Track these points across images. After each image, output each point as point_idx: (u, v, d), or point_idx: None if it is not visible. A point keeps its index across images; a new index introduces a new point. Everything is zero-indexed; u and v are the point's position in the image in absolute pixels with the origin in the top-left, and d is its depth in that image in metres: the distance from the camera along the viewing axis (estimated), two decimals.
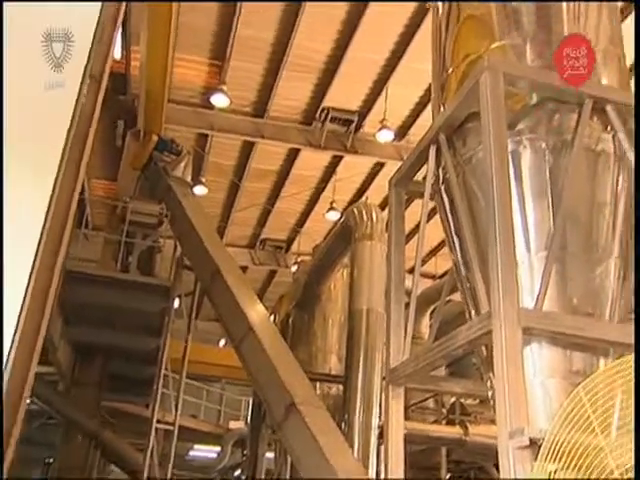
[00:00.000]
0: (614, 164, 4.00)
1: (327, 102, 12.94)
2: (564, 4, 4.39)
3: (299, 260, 16.35)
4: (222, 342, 22.19)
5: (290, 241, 18.80)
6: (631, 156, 3.84)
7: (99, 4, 3.91)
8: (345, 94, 12.75)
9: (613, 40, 4.45)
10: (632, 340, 3.42)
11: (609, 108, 3.89)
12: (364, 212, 10.04)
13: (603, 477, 2.71)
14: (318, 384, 10.70)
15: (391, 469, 4.32)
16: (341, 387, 9.84)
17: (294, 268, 16.43)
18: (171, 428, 10.96)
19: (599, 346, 3.69)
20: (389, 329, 4.73)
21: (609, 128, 3.96)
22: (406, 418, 4.81)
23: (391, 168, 13.38)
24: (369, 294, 9.43)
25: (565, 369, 3.73)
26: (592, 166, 3.97)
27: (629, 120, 4.09)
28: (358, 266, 9.75)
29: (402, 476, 4.33)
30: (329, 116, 13.08)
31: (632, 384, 2.55)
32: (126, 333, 12.14)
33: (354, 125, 13.37)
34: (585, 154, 3.92)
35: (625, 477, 2.68)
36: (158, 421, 10.88)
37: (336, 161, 14.74)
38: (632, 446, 2.65)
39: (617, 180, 4.01)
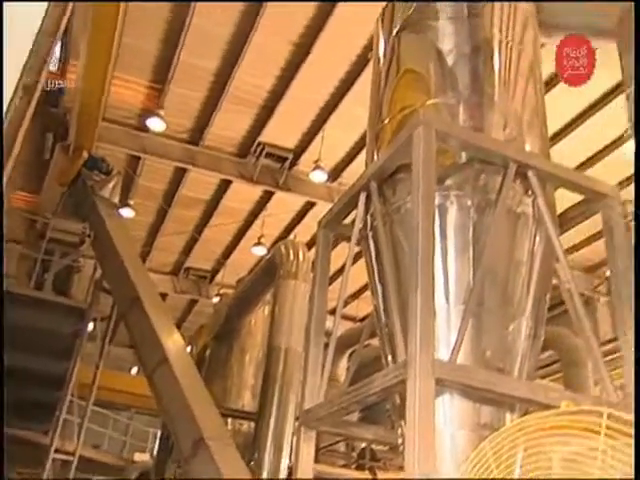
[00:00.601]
0: (532, 226, 4.20)
1: (264, 137, 13.04)
2: (496, 76, 4.64)
3: (222, 292, 16.18)
4: (134, 370, 21.49)
5: (214, 272, 18.59)
6: (548, 221, 4.04)
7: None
8: (282, 131, 12.89)
9: (537, 110, 4.72)
10: (537, 397, 3.55)
11: (531, 174, 4.09)
12: (291, 250, 10.08)
13: None
14: (230, 420, 10.50)
15: None
16: (253, 424, 9.70)
17: (216, 299, 16.22)
18: (70, 458, 10.45)
19: (507, 401, 3.81)
20: (306, 369, 4.71)
21: (530, 192, 4.17)
22: (316, 461, 4.78)
23: (321, 208, 13.55)
24: (289, 332, 9.41)
25: (474, 422, 3.82)
26: (512, 226, 4.15)
27: (548, 186, 4.33)
28: (280, 303, 9.74)
29: None
30: (264, 151, 13.18)
31: (534, 442, 2.64)
32: (31, 354, 11.52)
33: (288, 162, 13.51)
34: (507, 215, 4.10)
35: None
36: (57, 450, 10.35)
37: (267, 196, 14.79)
38: None
39: (534, 242, 4.21)
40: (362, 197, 4.52)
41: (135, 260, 10.59)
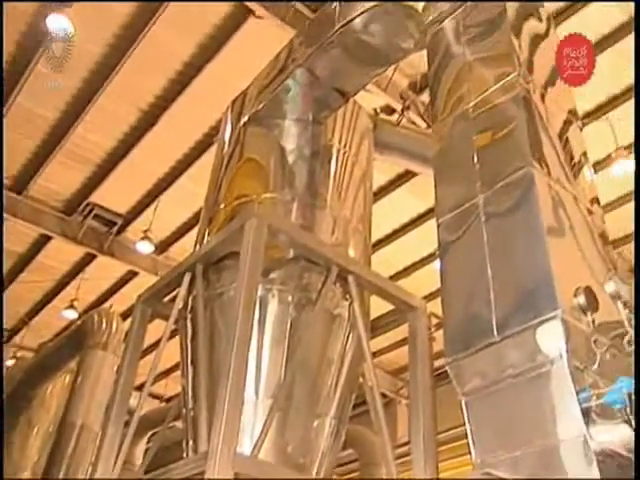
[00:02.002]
0: (346, 328, 4.40)
1: (94, 198, 12.53)
2: (330, 181, 4.95)
3: (18, 355, 14.82)
4: None
5: (14, 331, 17.03)
6: (361, 325, 4.26)
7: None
8: (115, 195, 12.50)
9: (363, 220, 5.07)
10: None
11: (351, 279, 4.32)
12: (104, 319, 9.56)
13: None
14: None
15: None
16: None
17: (11, 362, 14.78)
18: None
19: None
20: (100, 450, 4.41)
21: (348, 296, 4.38)
22: None
23: (143, 279, 13.13)
24: (88, 407, 8.75)
25: None
26: (328, 327, 4.31)
27: (365, 292, 4.59)
28: (84, 374, 9.10)
29: None
30: (93, 212, 12.64)
31: None
32: None
33: (117, 228, 13.04)
34: (324, 314, 4.27)
35: None
36: None
37: (89, 259, 14.06)
38: None
39: (346, 343, 4.40)
40: (187, 277, 4.48)
41: None
